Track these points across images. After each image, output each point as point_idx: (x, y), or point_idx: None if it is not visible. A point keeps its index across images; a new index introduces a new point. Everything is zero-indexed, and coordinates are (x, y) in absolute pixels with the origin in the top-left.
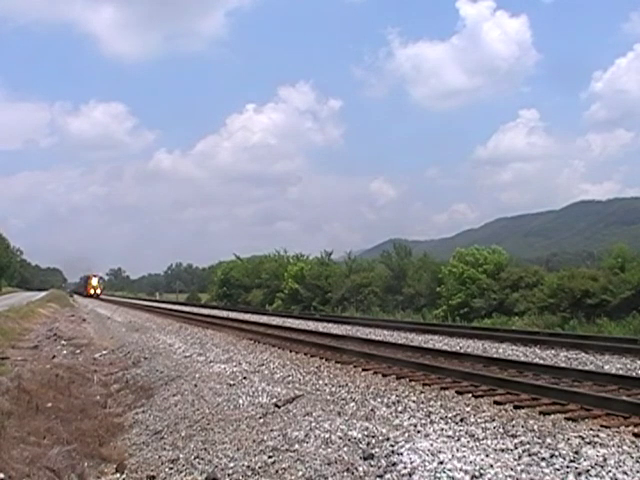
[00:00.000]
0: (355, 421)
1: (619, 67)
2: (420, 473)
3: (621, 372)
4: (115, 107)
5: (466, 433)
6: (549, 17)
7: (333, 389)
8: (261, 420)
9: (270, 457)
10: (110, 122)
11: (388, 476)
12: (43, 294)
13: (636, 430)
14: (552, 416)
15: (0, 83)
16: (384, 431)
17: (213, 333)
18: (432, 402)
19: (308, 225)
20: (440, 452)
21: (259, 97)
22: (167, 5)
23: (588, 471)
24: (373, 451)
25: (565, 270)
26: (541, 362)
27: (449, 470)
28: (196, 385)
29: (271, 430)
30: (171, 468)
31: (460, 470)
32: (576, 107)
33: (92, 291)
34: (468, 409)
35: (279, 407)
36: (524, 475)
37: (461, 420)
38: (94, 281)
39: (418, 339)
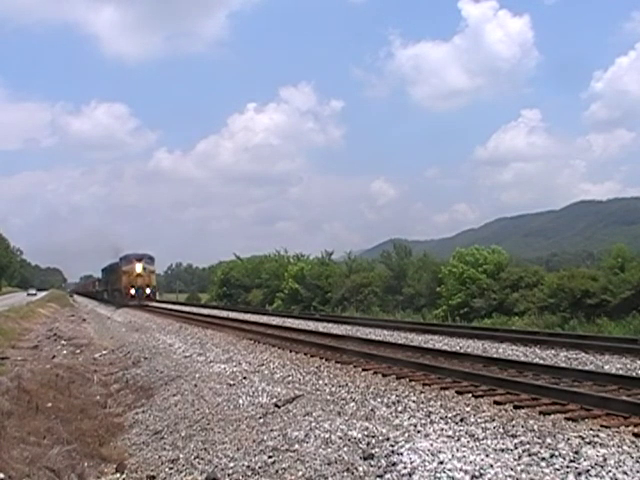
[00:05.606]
0: (355, 421)
1: (620, 67)
2: (420, 473)
3: (621, 372)
4: (118, 108)
5: (466, 433)
6: (551, 17)
7: (333, 389)
8: (261, 420)
9: (270, 457)
10: (112, 122)
11: (388, 476)
12: (43, 294)
13: (636, 430)
14: (552, 416)
15: (1, 83)
16: (384, 431)
17: (213, 333)
18: (432, 402)
19: (308, 225)
20: (440, 452)
21: (260, 98)
22: (168, 6)
23: (588, 471)
24: (373, 451)
25: (565, 270)
26: (541, 362)
27: (449, 470)
28: (196, 385)
29: (271, 430)
30: (171, 468)
31: (460, 470)
32: (577, 107)
33: (134, 290)
34: (468, 409)
35: (279, 407)
36: (524, 475)
37: (461, 420)
38: (138, 267)
39: (418, 339)
